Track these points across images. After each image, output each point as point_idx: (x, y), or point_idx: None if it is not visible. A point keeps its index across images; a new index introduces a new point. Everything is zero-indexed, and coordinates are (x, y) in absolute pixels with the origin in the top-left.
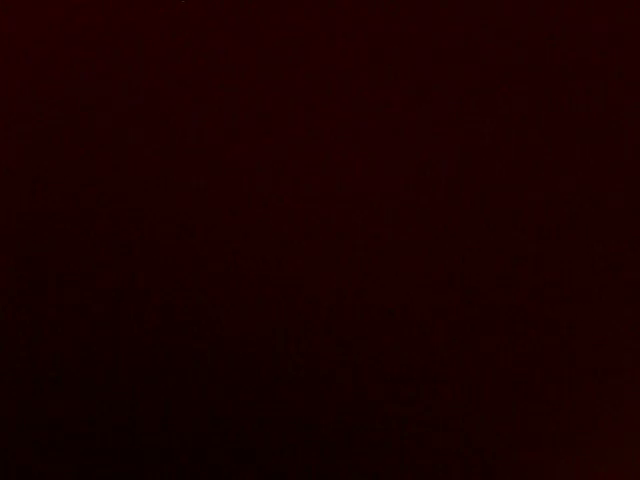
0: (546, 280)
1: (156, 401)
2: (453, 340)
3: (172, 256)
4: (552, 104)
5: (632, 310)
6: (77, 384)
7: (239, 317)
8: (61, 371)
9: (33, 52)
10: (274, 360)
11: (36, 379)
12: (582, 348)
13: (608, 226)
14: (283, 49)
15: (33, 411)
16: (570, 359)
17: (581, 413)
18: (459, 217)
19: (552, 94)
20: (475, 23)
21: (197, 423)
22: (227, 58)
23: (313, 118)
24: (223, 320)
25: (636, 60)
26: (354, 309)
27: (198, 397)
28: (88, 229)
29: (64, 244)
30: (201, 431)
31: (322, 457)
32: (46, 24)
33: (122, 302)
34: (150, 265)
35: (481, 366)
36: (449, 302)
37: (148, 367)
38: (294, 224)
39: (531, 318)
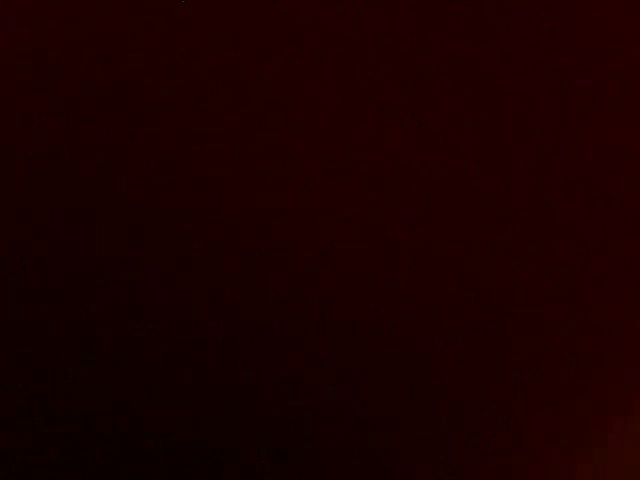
0: (544, 286)
1: (154, 402)
2: (451, 342)
3: (170, 261)
4: (550, 109)
5: (632, 309)
6: (76, 384)
7: (237, 318)
8: (61, 371)
9: (33, 51)
10: (272, 361)
11: (36, 379)
12: (581, 349)
13: (606, 228)
14: (283, 50)
15: (33, 411)
16: (569, 360)
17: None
18: (458, 220)
19: (550, 99)
20: (474, 26)
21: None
22: (226, 58)
23: (312, 119)
24: (221, 320)
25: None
26: (353, 312)
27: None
28: (89, 229)
29: (64, 243)
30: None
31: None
32: (46, 24)
33: (122, 302)
34: (148, 266)
35: (479, 370)
36: (446, 305)
37: (146, 368)
38: (293, 225)
39: (529, 322)
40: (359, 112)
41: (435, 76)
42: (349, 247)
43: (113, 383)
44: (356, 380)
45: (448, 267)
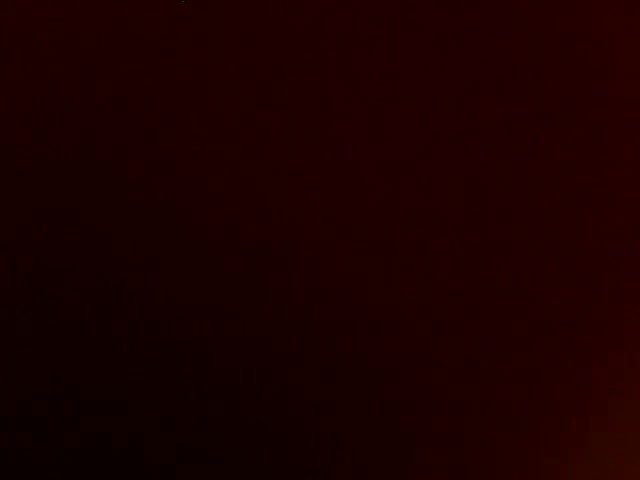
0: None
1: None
2: (447, 340)
3: (170, 261)
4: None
5: (632, 309)
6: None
7: (235, 318)
8: (61, 371)
9: (33, 51)
10: (271, 361)
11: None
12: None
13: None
14: (283, 49)
15: (33, 410)
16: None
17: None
18: (458, 220)
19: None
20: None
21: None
22: (227, 58)
23: (313, 120)
24: (220, 320)
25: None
26: (353, 312)
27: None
28: (89, 228)
29: (64, 243)
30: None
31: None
32: (46, 24)
33: (121, 301)
34: (148, 266)
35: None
36: (443, 304)
37: (144, 368)
38: (292, 225)
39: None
40: (358, 112)
41: (434, 76)
42: (349, 247)
43: (112, 383)
44: (356, 380)
45: (448, 267)
